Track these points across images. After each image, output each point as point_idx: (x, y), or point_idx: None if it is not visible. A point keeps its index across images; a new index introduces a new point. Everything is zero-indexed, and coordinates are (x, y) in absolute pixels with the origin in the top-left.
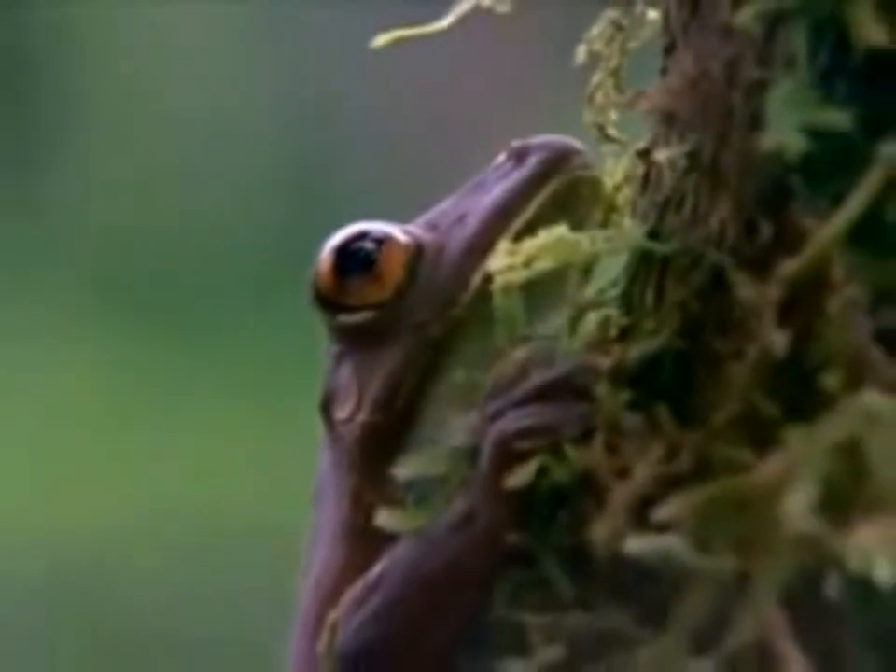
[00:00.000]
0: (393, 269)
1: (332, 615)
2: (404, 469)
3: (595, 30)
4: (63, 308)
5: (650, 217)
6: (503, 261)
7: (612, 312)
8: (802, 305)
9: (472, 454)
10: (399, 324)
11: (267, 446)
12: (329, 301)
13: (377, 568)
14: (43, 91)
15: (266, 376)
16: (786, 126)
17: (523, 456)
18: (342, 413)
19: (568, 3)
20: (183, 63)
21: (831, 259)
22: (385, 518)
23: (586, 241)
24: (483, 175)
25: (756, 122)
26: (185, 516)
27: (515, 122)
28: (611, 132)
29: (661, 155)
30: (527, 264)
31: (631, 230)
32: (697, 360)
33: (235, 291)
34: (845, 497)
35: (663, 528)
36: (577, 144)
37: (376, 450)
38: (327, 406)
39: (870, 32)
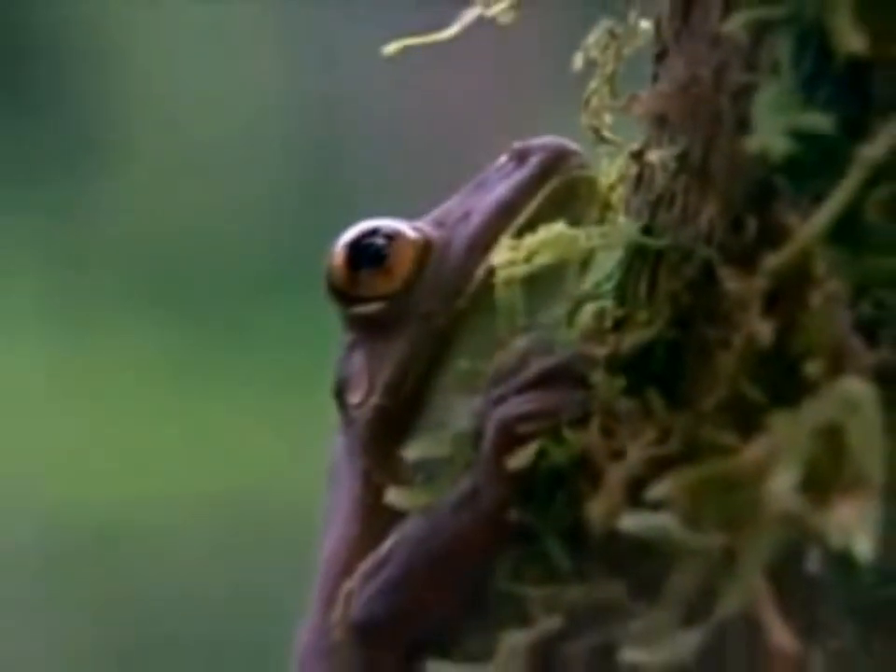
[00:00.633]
0: (402, 263)
1: (346, 586)
2: (412, 451)
3: (592, 38)
4: (106, 301)
5: (643, 215)
6: (505, 256)
7: (608, 304)
8: (786, 298)
9: (476, 436)
10: (408, 314)
11: (290, 429)
12: (342, 293)
13: (387, 543)
14: (85, 94)
15: (289, 362)
16: (771, 129)
17: (523, 439)
18: (354, 398)
19: (566, 13)
20: (196, 63)
21: (813, 254)
22: (394, 496)
23: (583, 237)
24: (487, 174)
25: (743, 125)
26: (217, 494)
27: (517, 125)
28: (606, 134)
29: (653, 156)
30: (528, 259)
31: (625, 226)
32: (687, 349)
33: (262, 286)
34: (826, 478)
35: (655, 507)
36: (574, 145)
37: (386, 433)
38: (340, 391)
39: (850, 40)
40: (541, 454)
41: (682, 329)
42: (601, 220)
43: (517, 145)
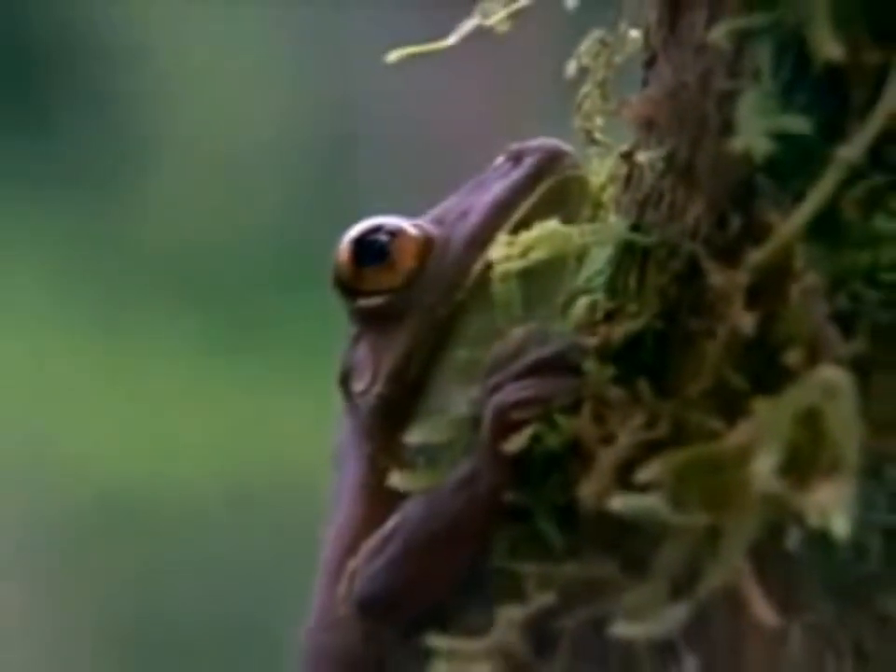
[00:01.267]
0: (405, 259)
1: (351, 563)
2: (414, 436)
3: (584, 47)
4: (138, 294)
5: (632, 213)
6: (502, 252)
7: (599, 297)
8: (767, 291)
9: (475, 422)
10: (410, 307)
11: (304, 410)
12: (347, 288)
13: (391, 522)
14: (120, 97)
15: (301, 351)
16: (753, 131)
17: (519, 425)
18: (359, 385)
19: (561, 23)
20: (216, 71)
21: (792, 249)
22: (397, 479)
23: (576, 234)
24: (485, 174)
25: (727, 128)
26: (236, 469)
27: (514, 127)
28: (598, 136)
29: (642, 157)
30: (524, 254)
31: (615, 224)
32: (674, 339)
33: (279, 280)
34: (805, 461)
35: (644, 488)
36: (567, 147)
37: (389, 419)
38: (345, 380)
39: (827, 48)
40: (536, 438)
41: (669, 320)
42: (593, 218)
43: (513, 146)
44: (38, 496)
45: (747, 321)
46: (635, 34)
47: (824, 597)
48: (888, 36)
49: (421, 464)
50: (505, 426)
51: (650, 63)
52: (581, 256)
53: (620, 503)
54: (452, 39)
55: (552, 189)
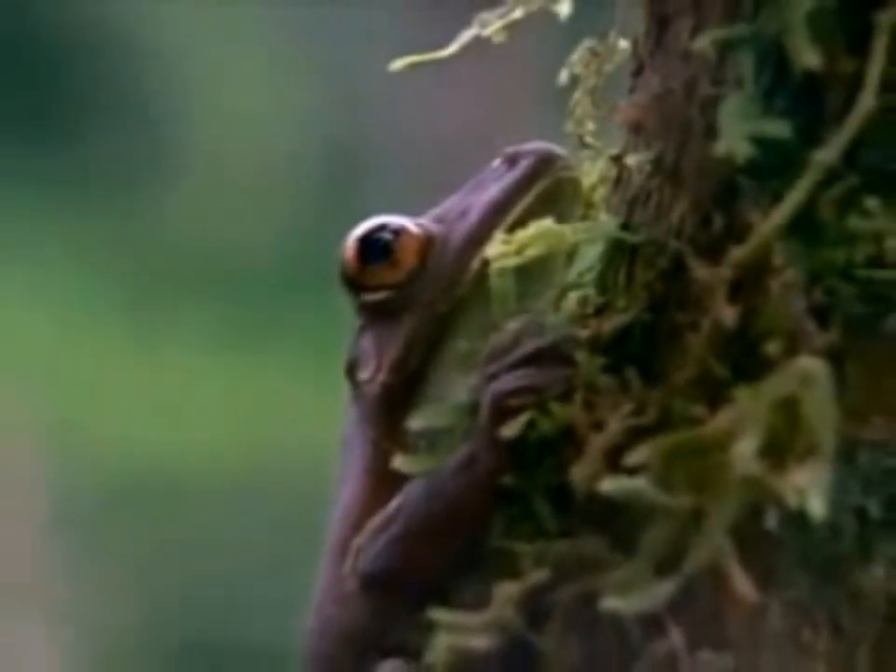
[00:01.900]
0: (407, 256)
1: (356, 542)
2: (416, 422)
3: (576, 56)
4: (169, 287)
5: (621, 213)
6: (499, 249)
7: (590, 291)
8: (748, 286)
9: (473, 409)
10: (412, 301)
11: (315, 393)
12: (353, 283)
13: (394, 503)
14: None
15: (313, 341)
16: (735, 135)
17: (515, 411)
18: (364, 375)
19: (554, 34)
20: (213, 66)
21: (772, 247)
22: (400, 462)
23: (568, 232)
24: (482, 176)
25: (711, 132)
26: (253, 446)
27: (510, 132)
28: (589, 140)
29: (630, 160)
30: (519, 251)
31: (606, 223)
32: (661, 331)
33: (293, 276)
34: (784, 445)
35: (632, 471)
36: (560, 150)
37: (392, 406)
38: (351, 370)
39: (806, 57)
40: (531, 424)
41: (656, 313)
42: (584, 217)
43: (509, 149)
44: (65, 475)
45: (729, 314)
46: (624, 44)
47: (801, 574)
48: (861, 47)
49: (422, 448)
50: (502, 412)
51: (637, 72)
52: (574, 253)
53: (610, 485)
54: (452, 48)
55: (546, 189)
